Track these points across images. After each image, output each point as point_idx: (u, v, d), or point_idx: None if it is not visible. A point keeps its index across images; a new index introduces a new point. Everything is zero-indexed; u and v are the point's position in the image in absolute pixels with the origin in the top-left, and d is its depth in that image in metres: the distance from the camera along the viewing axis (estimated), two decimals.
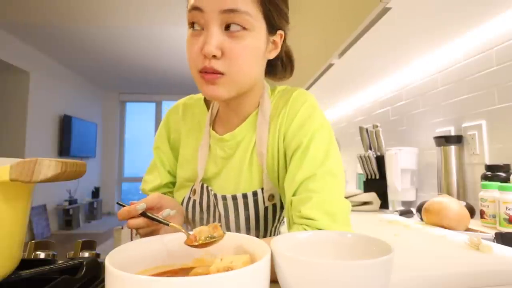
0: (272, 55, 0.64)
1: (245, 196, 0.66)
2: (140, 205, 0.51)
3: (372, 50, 1.28)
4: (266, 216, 0.67)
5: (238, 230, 0.68)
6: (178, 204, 0.67)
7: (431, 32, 1.12)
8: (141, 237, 0.54)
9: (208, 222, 0.70)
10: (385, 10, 0.94)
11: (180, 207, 0.68)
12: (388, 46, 1.24)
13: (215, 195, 0.67)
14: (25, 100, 4.57)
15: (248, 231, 0.68)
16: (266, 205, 0.67)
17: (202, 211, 0.71)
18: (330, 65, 1.48)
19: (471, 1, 0.91)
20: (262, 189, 0.66)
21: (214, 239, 0.41)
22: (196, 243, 0.41)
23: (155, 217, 0.50)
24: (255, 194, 0.66)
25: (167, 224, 0.45)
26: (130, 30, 4.06)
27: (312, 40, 1.62)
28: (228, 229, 0.68)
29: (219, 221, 0.68)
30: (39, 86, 4.79)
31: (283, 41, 0.65)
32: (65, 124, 5.48)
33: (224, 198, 0.67)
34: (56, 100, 5.34)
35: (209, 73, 0.56)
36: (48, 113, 5.17)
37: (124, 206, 0.53)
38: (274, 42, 0.63)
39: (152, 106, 7.18)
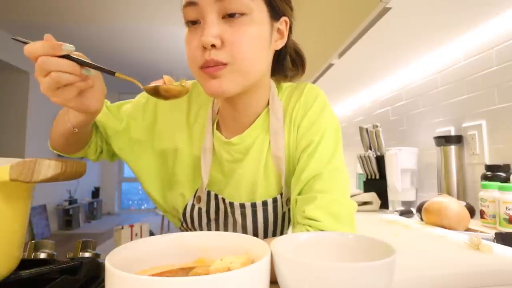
0: (278, 45, 0.59)
1: (265, 203, 0.63)
2: (68, 45, 0.42)
3: (372, 50, 1.28)
4: (284, 220, 0.65)
5: (255, 236, 0.64)
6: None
7: (431, 32, 1.12)
8: (70, 106, 0.47)
9: (217, 230, 0.66)
10: (385, 10, 0.94)
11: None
12: (388, 46, 1.24)
13: (231, 204, 0.63)
14: (25, 100, 4.57)
15: (265, 237, 0.65)
16: (284, 210, 0.64)
17: (210, 220, 0.66)
18: (330, 65, 1.48)
19: (471, 1, 0.91)
20: (281, 194, 0.63)
21: (183, 88, 0.46)
22: (174, 85, 0.45)
23: (87, 62, 0.41)
24: (275, 200, 0.63)
25: (112, 73, 0.38)
26: (130, 30, 4.06)
27: (312, 40, 1.62)
28: None
29: (234, 229, 0.65)
30: (39, 86, 4.77)
31: (290, 31, 0.61)
32: None
33: (242, 206, 0.63)
34: None
35: (210, 67, 0.51)
36: (48, 113, 5.15)
37: (27, 42, 0.42)
38: (279, 30, 0.58)
39: None
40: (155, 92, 0.51)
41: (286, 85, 0.68)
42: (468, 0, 0.90)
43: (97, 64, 0.43)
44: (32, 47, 0.42)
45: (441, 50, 1.29)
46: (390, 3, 0.89)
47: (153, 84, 0.50)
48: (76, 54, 0.45)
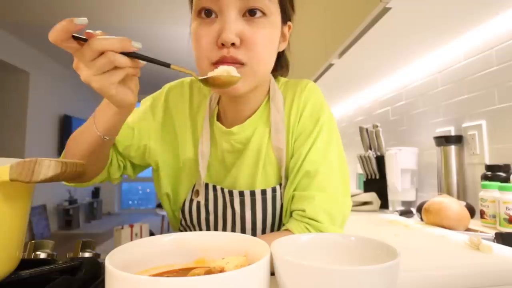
0: (281, 48, 0.60)
1: (264, 192, 0.62)
2: (82, 19, 0.40)
3: (372, 50, 1.28)
4: (282, 213, 0.65)
5: (254, 230, 0.63)
6: None
7: (431, 32, 1.12)
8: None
9: (216, 224, 0.65)
10: (385, 10, 0.94)
11: None
12: (388, 46, 1.24)
13: (230, 192, 0.63)
14: (25, 100, 4.57)
15: (264, 231, 0.64)
16: (283, 201, 0.64)
17: (209, 212, 0.65)
18: (330, 65, 1.48)
19: (471, 1, 0.91)
20: (280, 184, 0.63)
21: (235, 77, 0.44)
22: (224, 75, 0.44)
23: (141, 55, 0.41)
24: (274, 190, 0.62)
25: (167, 65, 0.39)
26: (130, 29, 4.06)
27: (312, 40, 1.62)
28: (243, 228, 0.64)
29: (233, 221, 0.64)
30: (39, 86, 4.79)
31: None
32: (65, 124, 5.48)
33: (241, 194, 0.62)
34: (56, 100, 5.34)
35: (227, 64, 0.49)
36: (48, 113, 5.16)
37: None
38: (283, 34, 0.59)
39: None
40: (206, 82, 0.49)
41: (283, 79, 0.69)
42: (468, 0, 0.90)
43: (151, 57, 0.41)
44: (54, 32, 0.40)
45: (441, 50, 1.29)
46: (390, 3, 0.89)
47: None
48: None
